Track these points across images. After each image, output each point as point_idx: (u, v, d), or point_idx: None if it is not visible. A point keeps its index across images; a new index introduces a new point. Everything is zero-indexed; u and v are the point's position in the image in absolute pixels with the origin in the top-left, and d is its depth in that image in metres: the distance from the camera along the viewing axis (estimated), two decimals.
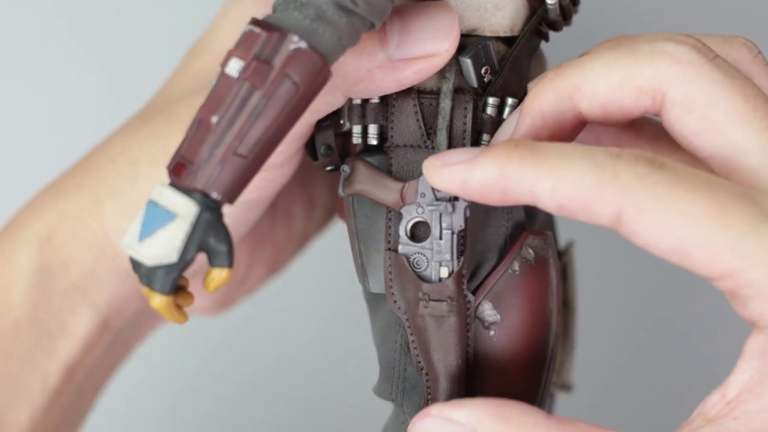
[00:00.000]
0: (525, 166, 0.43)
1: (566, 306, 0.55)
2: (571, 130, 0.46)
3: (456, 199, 0.47)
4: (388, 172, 0.48)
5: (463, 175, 0.44)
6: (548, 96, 0.45)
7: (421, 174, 0.48)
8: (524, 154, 0.43)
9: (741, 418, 0.42)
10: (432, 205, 0.47)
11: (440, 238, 0.47)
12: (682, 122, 0.44)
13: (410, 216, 0.48)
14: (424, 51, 0.47)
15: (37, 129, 0.84)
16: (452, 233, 0.47)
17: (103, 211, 0.54)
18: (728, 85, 0.43)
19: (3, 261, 0.55)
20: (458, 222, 0.47)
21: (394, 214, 0.48)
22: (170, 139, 0.53)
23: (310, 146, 0.51)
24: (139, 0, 0.83)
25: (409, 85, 0.47)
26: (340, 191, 0.48)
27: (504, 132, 0.47)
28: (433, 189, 0.47)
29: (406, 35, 0.47)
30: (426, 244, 0.48)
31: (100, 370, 0.58)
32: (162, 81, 0.59)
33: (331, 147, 0.50)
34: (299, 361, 0.86)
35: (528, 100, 0.46)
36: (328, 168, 0.51)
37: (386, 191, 0.48)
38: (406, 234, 0.48)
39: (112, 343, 0.58)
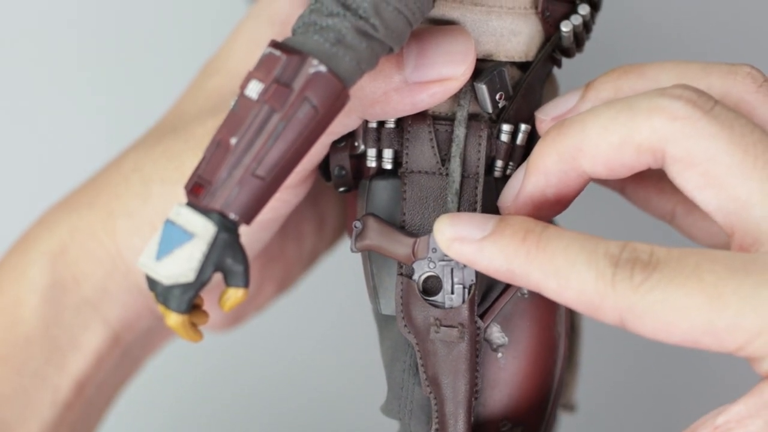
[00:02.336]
0: (531, 265, 0.44)
1: (571, 327, 0.55)
2: (576, 187, 0.47)
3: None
4: (402, 198, 0.49)
5: (470, 257, 0.45)
6: (551, 157, 0.46)
7: (433, 201, 0.49)
8: (531, 249, 0.44)
9: None
10: (443, 260, 0.48)
11: (452, 293, 0.48)
12: (683, 177, 0.44)
13: (422, 271, 0.48)
14: (440, 75, 0.47)
15: (41, 137, 0.84)
16: (464, 288, 0.48)
17: (116, 228, 0.54)
18: (727, 138, 0.44)
19: (16, 276, 0.55)
20: (469, 276, 0.48)
21: (405, 269, 0.48)
22: (184, 158, 0.53)
23: (324, 166, 0.51)
24: (144, 11, 0.83)
25: (424, 109, 0.48)
26: (352, 247, 0.49)
27: (510, 190, 0.48)
28: None
29: (423, 58, 0.47)
30: (438, 298, 0.48)
31: (110, 385, 0.59)
32: (166, 91, 0.59)
33: (345, 168, 0.50)
34: (307, 377, 0.86)
35: (532, 160, 0.47)
36: (341, 189, 0.51)
37: (398, 246, 0.48)
38: (418, 288, 0.48)
39: (122, 359, 0.58)
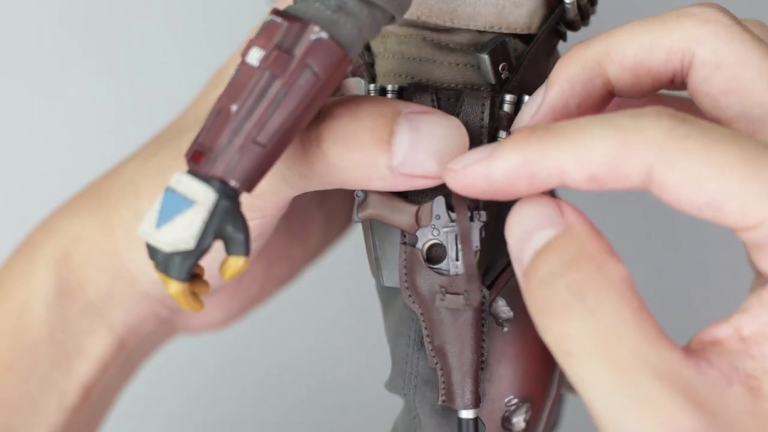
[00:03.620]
0: (545, 145, 0.42)
1: None
2: (600, 100, 0.46)
3: (471, 219, 0.47)
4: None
5: (485, 170, 0.43)
6: (576, 63, 0.45)
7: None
8: (541, 135, 0.42)
9: (758, 358, 0.41)
10: (447, 226, 0.47)
11: (457, 260, 0.47)
12: (710, 82, 0.44)
13: (426, 239, 0.48)
14: (429, 172, 0.45)
15: (38, 134, 0.84)
16: None
17: (116, 238, 0.54)
18: (756, 46, 0.44)
19: (21, 283, 0.55)
20: (474, 242, 0.47)
21: (409, 238, 0.48)
22: (169, 174, 0.53)
23: None
24: (156, 12, 0.83)
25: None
26: (355, 216, 0.48)
27: (530, 106, 0.46)
28: (448, 210, 0.47)
29: (414, 152, 0.45)
30: (443, 265, 0.48)
31: (113, 389, 0.59)
32: (176, 92, 0.59)
33: None
34: (309, 355, 0.85)
35: (555, 69, 0.46)
36: None
37: (401, 214, 0.48)
38: (422, 256, 0.48)
39: (126, 363, 0.58)
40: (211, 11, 0.83)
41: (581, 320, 0.40)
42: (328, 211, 0.62)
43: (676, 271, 0.86)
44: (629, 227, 0.85)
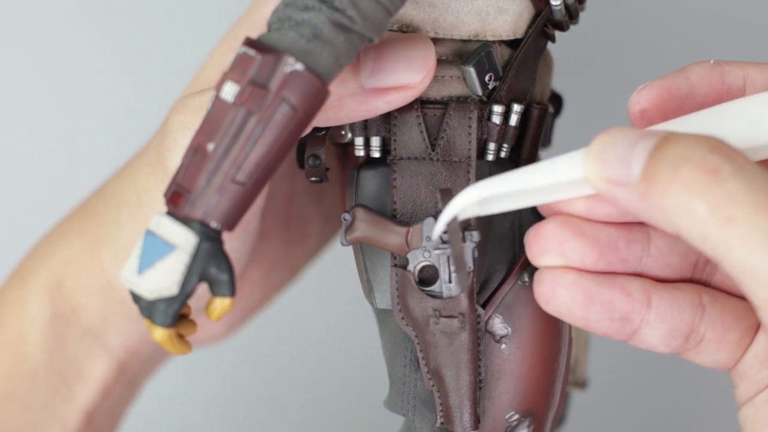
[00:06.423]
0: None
1: None
2: None
3: (464, 240, 0.46)
4: (392, 186, 0.47)
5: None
6: None
7: (425, 187, 0.47)
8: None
9: None
10: (439, 248, 0.46)
11: (449, 282, 0.46)
12: None
13: (417, 260, 0.46)
14: (398, 82, 0.45)
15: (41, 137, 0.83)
16: None
17: (102, 257, 0.53)
18: None
19: (16, 311, 0.55)
20: (467, 263, 0.46)
21: (399, 260, 0.47)
22: (139, 177, 0.52)
23: (300, 154, 0.50)
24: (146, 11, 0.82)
25: (378, 114, 0.46)
26: (343, 240, 0.47)
27: None
28: None
29: (380, 64, 0.45)
30: (435, 288, 0.46)
31: (116, 412, 0.58)
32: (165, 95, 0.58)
33: (320, 158, 0.48)
34: (310, 371, 0.85)
35: None
36: (313, 179, 0.49)
37: (390, 236, 0.46)
38: (414, 279, 0.46)
39: (128, 385, 0.57)
40: (215, 13, 0.81)
41: (736, 179, 0.39)
42: (325, 210, 0.61)
43: None
44: None
